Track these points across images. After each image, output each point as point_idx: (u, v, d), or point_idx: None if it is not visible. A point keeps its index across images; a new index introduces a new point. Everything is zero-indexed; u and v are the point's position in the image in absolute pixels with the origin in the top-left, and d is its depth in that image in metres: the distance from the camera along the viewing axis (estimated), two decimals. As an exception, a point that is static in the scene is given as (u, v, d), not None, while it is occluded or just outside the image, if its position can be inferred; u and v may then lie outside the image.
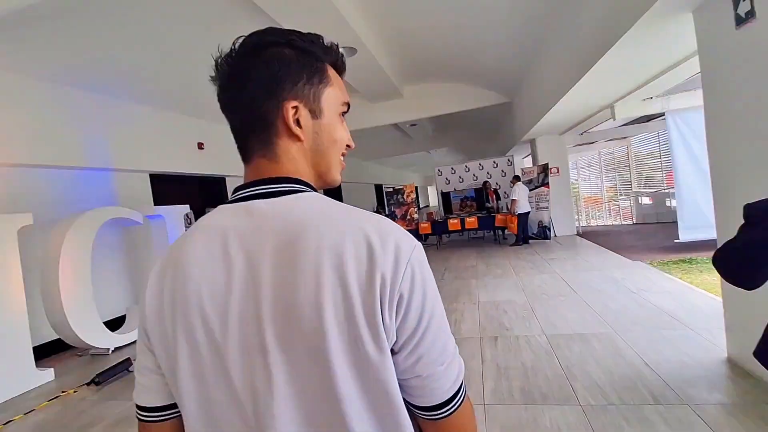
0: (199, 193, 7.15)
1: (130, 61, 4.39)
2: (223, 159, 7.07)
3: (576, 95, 4.75)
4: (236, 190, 0.55)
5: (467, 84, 7.80)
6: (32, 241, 3.98)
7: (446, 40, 5.54)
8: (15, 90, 4.00)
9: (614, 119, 5.44)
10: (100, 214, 4.19)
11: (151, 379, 0.55)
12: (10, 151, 3.90)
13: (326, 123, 0.56)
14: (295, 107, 0.53)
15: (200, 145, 6.48)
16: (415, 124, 10.97)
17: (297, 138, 0.54)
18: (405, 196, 8.85)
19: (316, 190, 0.57)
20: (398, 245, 0.48)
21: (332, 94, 0.57)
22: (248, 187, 0.54)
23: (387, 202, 9.10)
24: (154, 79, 4.92)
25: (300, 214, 0.50)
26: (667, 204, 9.92)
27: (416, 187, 9.28)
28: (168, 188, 6.22)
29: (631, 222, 11.77)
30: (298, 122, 0.54)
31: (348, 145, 0.61)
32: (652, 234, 8.42)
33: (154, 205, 5.62)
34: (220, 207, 0.55)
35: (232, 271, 0.49)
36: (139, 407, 0.56)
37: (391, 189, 9.13)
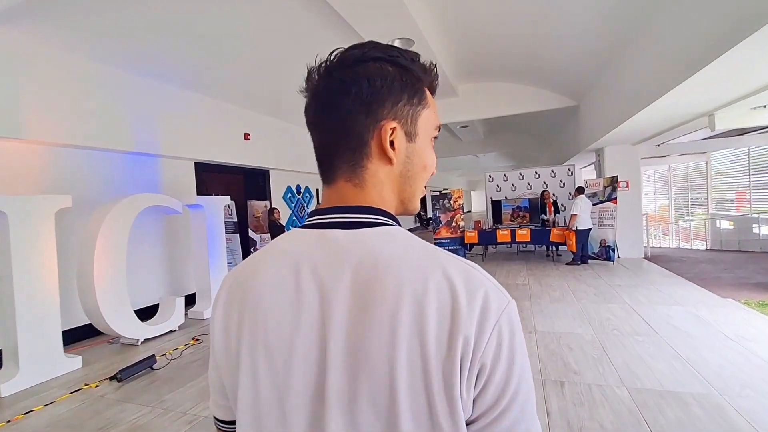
0: (242, 185, 7.06)
1: (181, 46, 4.24)
2: (268, 151, 6.93)
3: (670, 101, 4.04)
4: (313, 213, 0.51)
5: (530, 84, 7.18)
6: (72, 223, 3.92)
7: (515, 34, 4.98)
8: (63, 68, 3.91)
9: (712, 129, 4.63)
10: (139, 201, 4.05)
11: (221, 395, 0.53)
12: (54, 130, 3.82)
13: (419, 147, 0.52)
14: (393, 128, 0.49)
15: (246, 136, 6.33)
16: (466, 126, 10.40)
17: (389, 161, 0.50)
18: (452, 202, 8.28)
19: (399, 222, 0.51)
20: (486, 301, 0.41)
21: (428, 117, 0.53)
22: (327, 213, 0.49)
23: (432, 206, 8.56)
24: (204, 64, 4.78)
25: (381, 251, 0.44)
26: (755, 230, 8.69)
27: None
28: (212, 178, 6.13)
29: (704, 247, 10.54)
30: (392, 144, 0.49)
31: (432, 172, 0.56)
32: (738, 265, 7.35)
33: (198, 194, 5.51)
34: (295, 230, 0.51)
35: (302, 307, 0.44)
36: (215, 418, 0.56)
37: (438, 193, 8.57)
